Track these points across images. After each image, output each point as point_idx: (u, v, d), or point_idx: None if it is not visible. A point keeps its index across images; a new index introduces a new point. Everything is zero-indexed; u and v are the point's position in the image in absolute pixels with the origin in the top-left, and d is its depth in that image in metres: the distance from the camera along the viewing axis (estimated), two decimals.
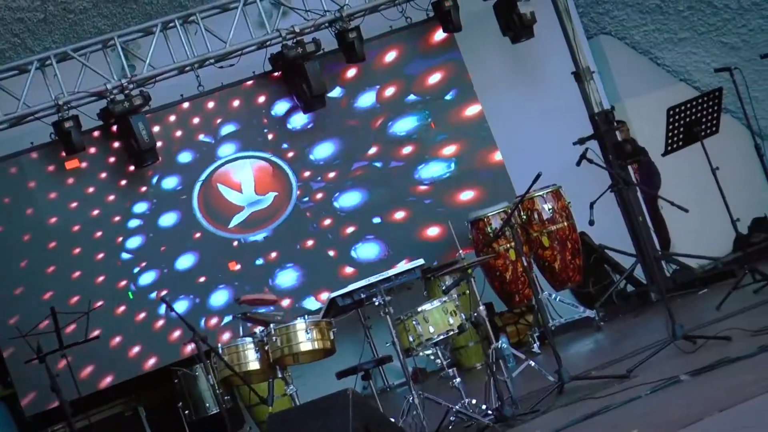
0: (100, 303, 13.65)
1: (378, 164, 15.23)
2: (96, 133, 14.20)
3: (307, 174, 15.02)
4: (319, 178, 15.05)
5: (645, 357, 10.52)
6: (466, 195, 15.32)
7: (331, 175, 15.09)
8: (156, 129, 14.25)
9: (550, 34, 15.45)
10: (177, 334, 14.01)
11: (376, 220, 15.11)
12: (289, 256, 14.84)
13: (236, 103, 14.94)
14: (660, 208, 15.82)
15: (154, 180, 14.56)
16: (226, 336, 13.93)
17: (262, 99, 15.01)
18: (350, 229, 15.05)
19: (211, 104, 14.84)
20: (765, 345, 9.55)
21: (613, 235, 15.04)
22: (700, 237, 15.30)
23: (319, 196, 15.03)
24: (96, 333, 13.40)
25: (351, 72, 15.15)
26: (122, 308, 14.15)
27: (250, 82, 14.91)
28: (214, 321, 14.39)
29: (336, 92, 15.11)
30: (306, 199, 14.97)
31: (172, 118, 14.71)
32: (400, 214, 15.17)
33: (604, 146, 14.96)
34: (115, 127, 14.07)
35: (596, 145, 14.80)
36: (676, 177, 15.38)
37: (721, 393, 8.59)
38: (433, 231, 15.08)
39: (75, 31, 14.68)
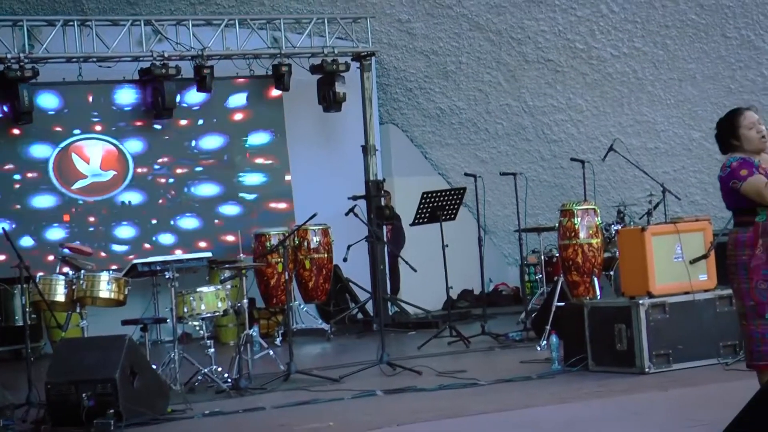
0: None
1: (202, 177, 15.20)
2: None
3: (143, 167, 14.87)
4: (153, 170, 14.93)
5: (355, 370, 10.56)
6: (259, 216, 15.33)
7: (162, 170, 14.97)
8: (37, 99, 13.92)
9: (353, 112, 15.49)
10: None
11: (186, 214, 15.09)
12: (108, 221, 14.68)
13: (105, 96, 14.69)
14: (398, 263, 15.95)
15: (24, 137, 14.24)
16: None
17: (125, 99, 14.77)
18: (162, 213, 14.98)
19: (85, 92, 14.56)
20: (444, 384, 9.68)
21: (358, 274, 15.11)
22: (421, 292, 15.42)
23: (148, 183, 14.92)
24: None
25: (198, 97, 14.99)
26: None
27: (119, 84, 14.68)
28: (40, 255, 14.03)
29: (182, 110, 14.96)
30: (136, 183, 14.85)
31: (52, 93, 14.39)
32: (192, 222, 15.16)
33: (369, 206, 15.08)
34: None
35: (364, 204, 14.91)
36: (417, 243, 15.50)
37: (404, 412, 8.64)
38: (228, 236, 15.04)
39: None
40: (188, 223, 15.09)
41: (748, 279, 6.54)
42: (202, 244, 14.85)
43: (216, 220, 15.16)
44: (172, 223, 14.99)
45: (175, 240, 14.93)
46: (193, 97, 14.95)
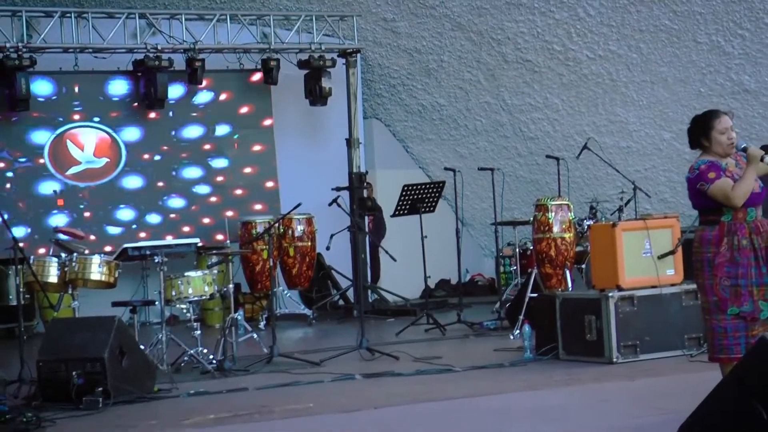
0: None
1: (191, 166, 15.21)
2: None
3: (133, 154, 14.84)
4: (143, 158, 14.90)
5: (335, 354, 10.56)
6: (248, 203, 15.33)
7: (155, 158, 14.96)
8: (33, 86, 13.84)
9: (339, 107, 15.52)
10: None
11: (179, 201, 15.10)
12: (100, 206, 14.64)
13: (100, 85, 14.64)
14: (379, 253, 15.96)
15: (21, 123, 14.19)
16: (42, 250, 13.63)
17: (119, 88, 14.73)
18: (148, 201, 14.96)
19: (81, 81, 14.50)
20: (420, 370, 9.70)
21: (340, 262, 15.12)
22: (400, 281, 15.44)
23: (139, 170, 14.88)
24: None
25: (189, 89, 14.98)
26: None
27: (114, 75, 14.63)
28: (35, 237, 14.05)
29: (173, 100, 14.94)
30: (128, 169, 14.81)
31: (48, 82, 14.35)
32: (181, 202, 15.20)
33: (352, 198, 15.09)
34: None
35: (347, 195, 14.92)
36: (397, 234, 15.52)
37: (381, 395, 8.66)
38: (213, 221, 15.04)
39: None
40: (176, 203, 15.13)
41: (713, 275, 6.57)
42: (186, 229, 14.94)
43: (195, 206, 15.17)
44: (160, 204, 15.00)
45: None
46: (186, 89, 14.95)
